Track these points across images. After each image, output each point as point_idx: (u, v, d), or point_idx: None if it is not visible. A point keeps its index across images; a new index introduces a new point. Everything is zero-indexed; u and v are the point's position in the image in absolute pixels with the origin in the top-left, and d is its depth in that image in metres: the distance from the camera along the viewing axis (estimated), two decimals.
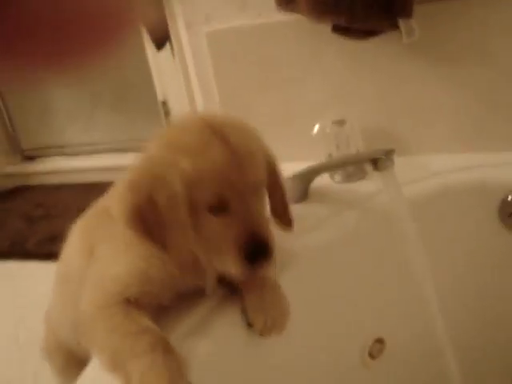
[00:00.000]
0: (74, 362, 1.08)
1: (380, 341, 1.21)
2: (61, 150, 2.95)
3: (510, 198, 1.19)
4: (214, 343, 0.86)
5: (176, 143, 0.79)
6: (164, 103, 2.06)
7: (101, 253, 0.88)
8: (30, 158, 3.02)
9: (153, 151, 0.80)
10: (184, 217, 0.78)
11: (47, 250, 2.19)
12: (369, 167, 1.03)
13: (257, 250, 0.77)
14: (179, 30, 1.43)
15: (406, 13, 1.08)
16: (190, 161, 0.76)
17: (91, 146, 2.87)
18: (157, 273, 0.83)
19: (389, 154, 0.95)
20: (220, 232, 0.78)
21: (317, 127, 1.28)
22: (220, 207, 0.77)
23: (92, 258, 0.89)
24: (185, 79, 1.49)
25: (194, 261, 0.79)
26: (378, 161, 0.95)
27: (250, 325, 0.88)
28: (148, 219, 0.79)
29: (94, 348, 0.82)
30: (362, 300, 1.15)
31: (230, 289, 0.91)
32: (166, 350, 0.76)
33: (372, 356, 1.22)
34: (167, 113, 2.06)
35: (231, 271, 0.79)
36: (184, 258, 0.80)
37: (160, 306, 0.85)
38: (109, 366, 0.78)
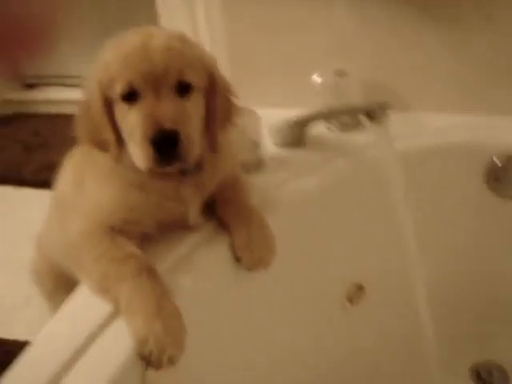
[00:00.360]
0: (64, 285, 1.08)
1: (360, 287, 1.26)
2: (62, 80, 2.93)
3: (495, 160, 1.22)
4: (200, 277, 0.90)
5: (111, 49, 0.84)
6: None
7: (87, 184, 0.91)
8: (31, 86, 3.01)
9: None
10: (99, 111, 0.83)
11: (43, 178, 2.20)
12: (364, 119, 1.06)
13: (162, 141, 0.77)
14: None
15: None
16: (107, 56, 0.83)
17: None
18: (136, 200, 0.87)
19: (383, 106, 0.97)
20: (131, 121, 0.80)
21: (316, 75, 1.30)
22: (130, 96, 0.80)
23: (81, 189, 0.92)
24: (193, 22, 1.49)
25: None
26: (372, 112, 0.97)
27: (237, 259, 0.92)
28: (89, 128, 0.86)
29: (81, 273, 0.85)
30: (346, 246, 1.19)
31: (218, 223, 0.95)
32: (151, 274, 0.80)
33: (351, 301, 1.27)
34: None
35: (140, 164, 0.80)
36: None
37: (145, 235, 0.89)
38: (97, 289, 0.81)
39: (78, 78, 3.10)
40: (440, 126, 1.27)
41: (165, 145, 0.77)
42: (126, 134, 0.83)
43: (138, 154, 0.80)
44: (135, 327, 0.75)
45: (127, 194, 0.87)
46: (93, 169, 0.91)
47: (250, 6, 1.36)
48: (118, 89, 0.80)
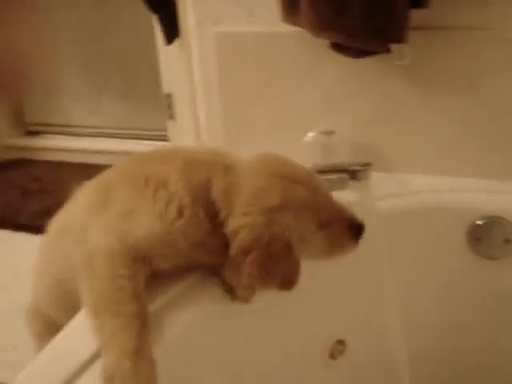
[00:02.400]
0: (53, 329, 1.07)
1: (341, 342, 1.28)
2: (64, 129, 3.01)
3: (478, 223, 1.26)
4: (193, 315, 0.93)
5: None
6: (168, 96, 2.12)
7: (122, 206, 0.91)
8: (33, 133, 3.08)
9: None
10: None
11: (38, 224, 2.23)
12: (347, 178, 1.10)
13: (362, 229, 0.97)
14: (189, 28, 1.50)
15: (399, 38, 1.15)
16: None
17: (94, 129, 2.94)
18: (179, 239, 0.89)
19: (365, 166, 1.02)
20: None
21: (308, 135, 1.35)
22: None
23: (105, 210, 0.93)
24: (189, 75, 1.56)
25: None
26: (355, 172, 1.02)
27: (226, 291, 0.95)
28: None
29: (85, 285, 0.86)
30: (326, 301, 1.21)
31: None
32: (144, 323, 0.81)
33: (333, 356, 1.28)
34: (170, 105, 2.13)
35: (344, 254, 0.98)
36: None
37: (160, 271, 0.91)
38: (90, 308, 0.83)
39: (78, 127, 3.21)
40: (423, 187, 1.31)
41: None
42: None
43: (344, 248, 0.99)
44: (107, 363, 0.76)
45: (173, 230, 0.89)
46: (133, 197, 0.92)
47: (243, 66, 1.42)
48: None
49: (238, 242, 0.87)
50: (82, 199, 1.01)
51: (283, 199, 0.89)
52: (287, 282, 0.92)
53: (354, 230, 0.97)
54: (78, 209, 1.00)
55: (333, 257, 1.00)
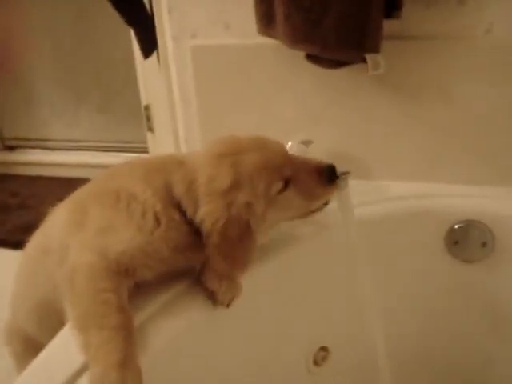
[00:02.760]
0: (32, 348, 1.10)
1: (324, 349, 1.29)
2: (42, 143, 2.99)
3: (456, 227, 1.28)
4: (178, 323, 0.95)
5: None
6: (147, 108, 2.13)
7: (99, 223, 0.93)
8: (11, 148, 3.06)
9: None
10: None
11: (18, 239, 2.21)
12: None
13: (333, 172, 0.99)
14: (166, 41, 1.51)
15: (374, 48, 1.17)
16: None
17: (72, 143, 2.93)
18: (160, 248, 0.91)
19: (344, 174, 1.04)
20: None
21: (287, 145, 1.37)
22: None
23: (83, 228, 0.94)
24: (167, 88, 1.57)
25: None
26: None
27: (208, 297, 0.98)
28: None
29: (69, 302, 0.86)
30: (309, 308, 1.23)
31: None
32: (129, 334, 0.82)
33: (316, 363, 1.30)
34: (149, 117, 2.13)
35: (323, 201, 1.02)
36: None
37: (145, 281, 0.93)
38: (76, 322, 0.84)
39: (57, 141, 3.18)
40: (400, 193, 1.34)
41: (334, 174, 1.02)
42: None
43: (319, 197, 1.04)
44: (94, 375, 0.77)
45: (153, 239, 0.91)
46: (108, 211, 0.94)
47: (220, 78, 1.44)
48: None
49: (204, 233, 0.90)
50: (58, 219, 1.01)
51: (233, 175, 0.91)
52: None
53: (325, 174, 0.99)
54: (55, 229, 1.00)
55: (313, 209, 1.03)
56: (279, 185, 0.95)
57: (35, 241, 1.08)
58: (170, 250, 0.92)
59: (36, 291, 1.05)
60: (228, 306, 0.98)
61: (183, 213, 0.93)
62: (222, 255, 0.91)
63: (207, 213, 0.90)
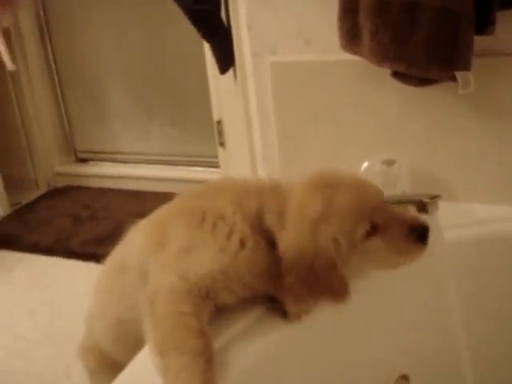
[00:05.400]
0: (107, 365, 1.12)
1: (405, 377, 1.24)
2: (113, 156, 3.05)
3: None
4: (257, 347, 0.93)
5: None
6: (219, 123, 2.13)
7: (181, 242, 0.92)
8: (83, 161, 3.14)
9: None
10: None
11: (90, 251, 2.26)
12: (413, 210, 1.08)
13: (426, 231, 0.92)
14: (245, 57, 1.50)
15: (465, 66, 1.12)
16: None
17: (142, 156, 2.97)
18: (244, 271, 0.89)
19: (434, 198, 0.99)
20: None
21: (365, 165, 1.33)
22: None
23: (164, 247, 0.93)
24: (244, 103, 1.56)
25: None
26: (424, 204, 1.00)
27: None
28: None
29: (149, 324, 0.86)
30: (392, 334, 1.18)
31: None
32: (209, 359, 0.81)
33: None
34: (221, 132, 2.13)
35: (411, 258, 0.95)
36: None
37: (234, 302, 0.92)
38: (155, 346, 0.83)
39: (128, 154, 3.26)
40: (489, 216, 1.28)
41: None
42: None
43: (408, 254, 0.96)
44: None
45: (236, 263, 0.89)
46: (190, 232, 0.92)
47: (300, 95, 1.41)
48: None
49: (284, 262, 0.87)
50: (137, 238, 1.01)
51: (324, 207, 0.88)
52: (337, 296, 0.90)
53: (418, 232, 0.93)
54: (134, 248, 1.00)
55: (399, 264, 0.97)
56: (365, 227, 0.90)
57: (113, 258, 1.08)
58: (252, 276, 0.90)
59: (112, 309, 1.05)
60: (298, 319, 0.94)
61: (270, 240, 0.91)
62: (306, 287, 0.88)
63: (293, 237, 0.88)
